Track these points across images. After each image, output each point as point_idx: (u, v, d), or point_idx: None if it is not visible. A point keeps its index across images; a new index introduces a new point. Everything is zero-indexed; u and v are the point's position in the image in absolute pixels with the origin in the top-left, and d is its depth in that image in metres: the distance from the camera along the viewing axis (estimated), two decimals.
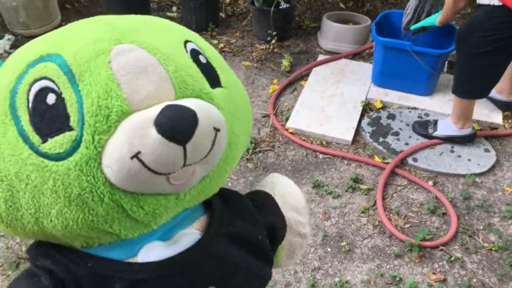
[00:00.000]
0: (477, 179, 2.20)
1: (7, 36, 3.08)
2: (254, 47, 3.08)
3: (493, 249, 1.93)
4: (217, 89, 0.54)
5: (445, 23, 2.23)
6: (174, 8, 3.44)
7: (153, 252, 0.53)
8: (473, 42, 2.00)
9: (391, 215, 2.06)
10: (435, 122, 2.36)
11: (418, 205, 2.11)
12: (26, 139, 0.46)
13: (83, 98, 0.45)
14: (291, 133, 2.44)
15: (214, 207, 0.59)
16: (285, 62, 2.86)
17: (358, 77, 2.75)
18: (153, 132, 0.44)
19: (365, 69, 2.80)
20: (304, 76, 2.81)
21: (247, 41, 3.14)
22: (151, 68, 0.48)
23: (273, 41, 3.02)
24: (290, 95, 2.70)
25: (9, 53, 2.95)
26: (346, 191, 2.16)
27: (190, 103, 0.47)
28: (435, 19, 2.26)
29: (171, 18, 3.31)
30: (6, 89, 0.48)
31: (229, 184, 2.19)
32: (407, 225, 2.03)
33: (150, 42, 0.50)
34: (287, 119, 2.51)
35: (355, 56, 2.96)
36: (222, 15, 3.35)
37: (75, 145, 0.45)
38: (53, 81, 0.46)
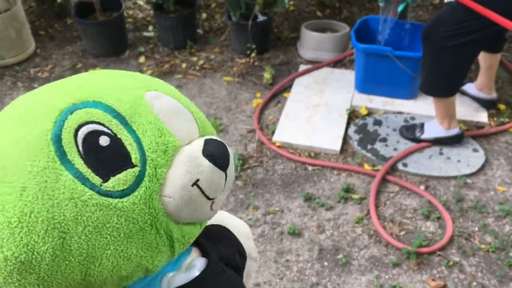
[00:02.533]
0: (468, 180, 2.19)
1: None
2: (234, 61, 3.05)
3: (490, 250, 1.91)
4: None
5: None
6: (150, 28, 3.40)
7: (175, 280, 0.57)
8: (439, 37, 2.02)
9: (385, 223, 2.03)
10: (422, 125, 2.35)
11: (411, 211, 2.08)
12: (85, 181, 0.47)
13: (140, 137, 0.50)
14: (279, 146, 2.40)
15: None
16: (267, 75, 2.83)
17: (341, 85, 2.73)
18: (206, 162, 0.52)
19: (348, 76, 2.79)
20: (287, 88, 2.79)
21: (226, 56, 3.11)
22: (181, 110, 0.56)
23: (253, 54, 2.99)
24: (275, 108, 2.67)
25: None
26: (338, 202, 2.13)
27: (217, 138, 0.56)
28: None
29: (149, 38, 3.28)
30: (43, 138, 0.48)
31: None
32: (403, 232, 2.00)
33: (169, 91, 0.58)
34: (273, 132, 2.48)
35: (336, 64, 2.95)
36: (200, 31, 3.32)
37: (138, 181, 0.49)
38: (102, 125, 0.49)
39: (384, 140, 2.37)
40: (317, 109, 2.59)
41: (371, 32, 2.66)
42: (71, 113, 0.49)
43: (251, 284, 1.84)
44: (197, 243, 0.63)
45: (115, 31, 3.10)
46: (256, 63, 3.01)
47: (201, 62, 3.05)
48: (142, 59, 3.11)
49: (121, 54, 3.15)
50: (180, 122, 0.54)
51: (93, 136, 0.48)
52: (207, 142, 0.53)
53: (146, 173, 0.49)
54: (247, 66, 2.99)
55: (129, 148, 0.49)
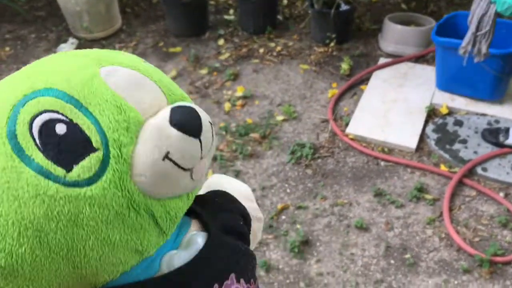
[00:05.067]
0: None
1: (70, 40, 3.18)
2: (312, 50, 3.02)
3: None
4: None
5: None
6: (231, 11, 3.44)
7: (174, 260, 0.54)
8: None
9: (458, 227, 1.95)
10: (507, 129, 2.22)
11: (488, 218, 1.99)
12: (48, 175, 0.44)
13: (98, 118, 0.46)
14: (351, 139, 2.36)
15: (195, 209, 0.61)
16: (345, 66, 2.78)
17: (422, 81, 2.64)
18: (174, 131, 0.48)
19: (429, 73, 2.69)
20: (365, 80, 2.73)
21: (305, 43, 3.09)
22: (142, 81, 0.52)
23: (332, 43, 2.95)
24: (350, 100, 2.62)
25: None
26: (410, 200, 2.07)
27: (187, 104, 0.52)
28: None
29: (229, 21, 3.32)
30: None
31: (288, 190, 2.15)
32: (477, 239, 1.92)
33: (126, 62, 0.53)
34: (346, 124, 2.44)
35: (418, 59, 2.85)
36: (280, 17, 3.32)
37: (104, 164, 0.45)
38: (56, 112, 0.46)
39: (464, 141, 2.27)
40: (395, 104, 2.52)
41: (459, 29, 2.54)
42: (23, 106, 0.46)
43: (313, 273, 1.83)
44: (196, 215, 0.60)
45: (197, 13, 3.16)
46: (334, 53, 2.96)
47: (279, 48, 3.05)
48: (221, 41, 3.16)
49: (201, 35, 3.22)
50: (142, 94, 0.50)
51: (48, 126, 0.45)
52: (173, 110, 0.49)
53: (111, 155, 0.46)
54: (325, 56, 2.96)
55: (87, 132, 0.45)
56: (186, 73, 2.90)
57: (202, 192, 0.73)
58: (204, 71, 2.90)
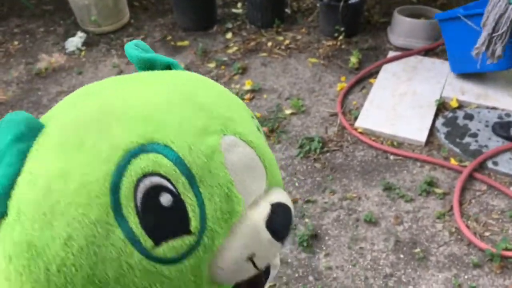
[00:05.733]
0: None
1: (79, 34, 3.18)
2: (320, 43, 3.00)
3: None
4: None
5: None
6: (239, 5, 3.43)
7: None
8: None
9: (469, 221, 1.94)
10: None
11: (498, 212, 1.97)
12: (135, 243, 0.41)
13: (206, 202, 0.43)
14: (360, 132, 2.35)
15: None
16: (353, 59, 2.76)
17: (431, 74, 2.61)
18: (267, 235, 0.46)
19: (439, 66, 2.66)
20: (374, 74, 2.71)
21: (313, 37, 3.07)
22: (254, 164, 0.48)
23: (341, 37, 2.93)
24: (359, 93, 2.61)
25: (81, 50, 3.04)
26: (420, 194, 2.05)
27: (284, 198, 0.49)
28: None
29: (237, 15, 3.30)
30: (102, 182, 0.40)
31: (297, 184, 2.14)
32: (487, 233, 1.90)
33: (245, 132, 0.48)
34: (355, 118, 2.42)
35: (428, 52, 2.82)
36: (288, 11, 3.30)
37: (191, 249, 0.43)
38: (168, 180, 0.41)
39: (474, 135, 2.25)
40: (404, 97, 2.50)
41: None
42: (135, 157, 0.41)
43: (322, 267, 1.83)
44: None
45: (205, 6, 3.15)
46: (343, 46, 2.94)
47: (287, 41, 3.03)
48: (229, 35, 3.14)
49: (209, 29, 3.20)
50: (252, 180, 0.47)
51: (155, 192, 0.41)
52: (273, 211, 0.46)
53: (202, 243, 0.43)
54: (334, 49, 2.94)
55: (191, 213, 0.42)
56: (194, 67, 2.90)
57: None
58: (212, 65, 2.90)
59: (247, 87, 2.69)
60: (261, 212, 0.46)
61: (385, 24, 3.05)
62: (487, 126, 2.28)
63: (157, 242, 0.41)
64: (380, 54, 2.87)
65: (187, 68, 2.89)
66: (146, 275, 0.42)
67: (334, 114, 2.49)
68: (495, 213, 1.97)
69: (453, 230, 1.92)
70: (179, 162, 0.42)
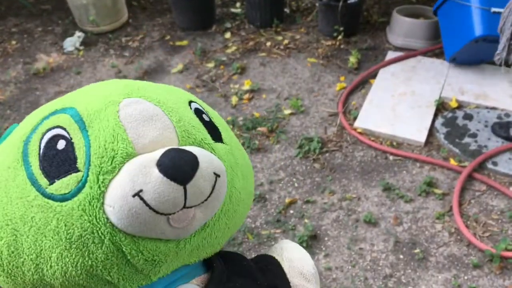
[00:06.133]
0: None
1: (77, 34, 3.17)
2: (319, 43, 3.00)
3: None
4: (219, 143, 0.57)
5: None
6: (238, 4, 3.42)
7: None
8: None
9: (468, 222, 1.94)
10: None
11: (498, 213, 1.97)
12: (34, 182, 0.48)
13: (91, 142, 0.48)
14: (360, 133, 2.35)
15: (214, 265, 0.59)
16: (352, 59, 2.76)
17: (431, 74, 2.61)
18: (155, 171, 0.46)
19: (438, 66, 2.66)
20: (373, 74, 2.70)
21: (312, 37, 3.06)
22: (156, 117, 0.51)
23: (340, 37, 2.93)
24: (358, 93, 2.60)
25: (79, 50, 3.03)
26: (419, 195, 2.05)
27: (192, 149, 0.49)
28: None
29: (236, 14, 3.30)
30: (20, 140, 0.51)
31: (296, 184, 2.14)
32: (487, 234, 1.90)
33: (156, 97, 0.54)
34: (355, 118, 2.42)
35: (426, 53, 2.81)
36: (287, 10, 3.29)
37: (80, 186, 0.47)
38: (64, 129, 0.49)
39: (473, 135, 2.25)
40: (403, 97, 2.50)
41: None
42: (48, 119, 0.51)
43: (321, 268, 1.83)
44: (212, 272, 0.58)
45: (204, 6, 3.14)
46: (342, 46, 2.94)
47: (286, 41, 3.03)
48: (228, 35, 3.14)
49: (208, 29, 3.20)
50: (148, 129, 0.50)
51: (54, 140, 0.49)
52: (166, 152, 0.47)
53: (88, 178, 0.47)
54: (333, 49, 2.93)
55: (77, 152, 0.48)
56: (193, 67, 2.89)
57: (267, 252, 0.71)
58: (210, 65, 2.89)
59: (246, 87, 2.68)
60: (154, 153, 0.48)
61: (384, 24, 3.05)
62: (486, 126, 2.28)
63: (51, 181, 0.47)
64: (379, 54, 2.86)
65: (186, 68, 2.89)
66: (42, 211, 0.47)
67: (333, 114, 2.49)
68: (495, 213, 1.96)
69: (453, 230, 1.91)
70: (74, 114, 0.50)
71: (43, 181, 0.48)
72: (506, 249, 1.81)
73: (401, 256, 1.85)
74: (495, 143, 2.19)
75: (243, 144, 2.33)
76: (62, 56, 3.06)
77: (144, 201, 0.46)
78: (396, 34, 2.87)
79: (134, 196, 0.46)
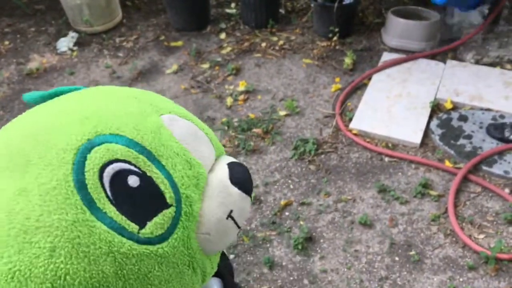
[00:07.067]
0: None
1: (71, 34, 3.15)
2: (315, 44, 2.99)
3: None
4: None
5: None
6: (232, 5, 3.41)
7: None
8: None
9: (463, 224, 1.93)
10: None
11: (493, 214, 1.97)
12: (121, 231, 0.41)
13: (171, 172, 0.45)
14: (355, 134, 2.34)
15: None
16: (348, 60, 2.76)
17: (426, 76, 2.61)
18: (235, 190, 0.47)
19: (434, 67, 2.66)
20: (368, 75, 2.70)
21: (307, 38, 3.06)
22: (199, 134, 0.51)
23: (335, 38, 2.92)
24: (353, 95, 2.60)
25: (73, 50, 3.01)
26: (415, 197, 2.05)
27: (236, 160, 0.51)
28: None
29: (231, 15, 3.28)
30: (64, 186, 0.41)
31: (291, 186, 2.13)
32: (482, 235, 1.90)
33: (177, 110, 0.52)
34: (350, 119, 2.41)
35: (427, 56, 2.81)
36: (282, 11, 3.28)
37: (175, 221, 0.44)
38: (128, 162, 0.43)
39: (469, 137, 2.25)
40: (399, 99, 2.50)
41: None
42: (89, 152, 0.42)
43: (317, 270, 1.82)
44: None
45: (199, 6, 3.12)
46: (337, 47, 2.93)
47: (281, 42, 3.02)
48: (222, 35, 3.12)
49: (202, 29, 3.18)
50: (201, 147, 0.49)
51: (120, 177, 0.42)
52: (231, 167, 0.49)
53: (183, 212, 0.44)
54: (328, 50, 2.93)
55: (162, 186, 0.44)
56: (188, 68, 2.88)
57: None
58: (205, 66, 2.88)
59: (241, 88, 2.67)
60: (222, 172, 0.48)
61: (379, 25, 3.05)
62: (481, 127, 2.28)
63: (141, 224, 0.42)
64: (374, 55, 2.86)
65: (181, 69, 2.87)
66: (141, 261, 0.42)
67: (329, 116, 2.48)
68: (490, 215, 1.96)
69: (448, 232, 1.91)
70: (131, 143, 0.44)
71: (131, 227, 0.42)
72: (502, 251, 1.81)
73: (397, 258, 1.84)
74: (490, 144, 2.19)
75: (238, 146, 2.32)
76: (56, 56, 3.04)
77: (234, 220, 0.48)
78: (391, 35, 2.87)
79: (227, 218, 0.47)
